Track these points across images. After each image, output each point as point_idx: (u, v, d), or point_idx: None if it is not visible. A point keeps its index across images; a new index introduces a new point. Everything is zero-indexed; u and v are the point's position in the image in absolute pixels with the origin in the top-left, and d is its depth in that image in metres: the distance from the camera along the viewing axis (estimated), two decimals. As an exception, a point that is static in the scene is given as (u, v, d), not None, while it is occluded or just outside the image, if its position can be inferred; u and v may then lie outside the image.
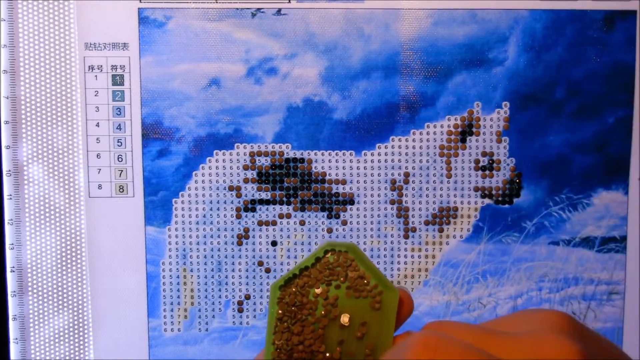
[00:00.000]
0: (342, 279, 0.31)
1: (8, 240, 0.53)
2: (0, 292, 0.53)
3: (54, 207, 0.53)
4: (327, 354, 0.31)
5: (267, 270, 0.55)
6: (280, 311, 0.31)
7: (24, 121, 0.52)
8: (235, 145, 0.54)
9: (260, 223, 0.55)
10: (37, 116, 0.52)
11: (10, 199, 0.53)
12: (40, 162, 0.53)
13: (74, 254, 0.54)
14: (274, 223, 0.55)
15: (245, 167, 0.54)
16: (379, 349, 0.31)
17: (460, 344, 0.24)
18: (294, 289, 0.31)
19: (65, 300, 0.54)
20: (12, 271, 0.53)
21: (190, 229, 0.55)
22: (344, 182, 0.55)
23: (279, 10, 0.53)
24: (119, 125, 0.53)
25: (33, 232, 0.53)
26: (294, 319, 0.31)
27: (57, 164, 0.53)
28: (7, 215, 0.53)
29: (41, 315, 0.54)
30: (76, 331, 0.54)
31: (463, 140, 0.55)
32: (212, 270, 0.55)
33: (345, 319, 0.31)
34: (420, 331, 0.25)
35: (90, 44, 0.52)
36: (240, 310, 0.56)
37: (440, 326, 0.26)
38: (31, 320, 0.54)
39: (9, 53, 0.52)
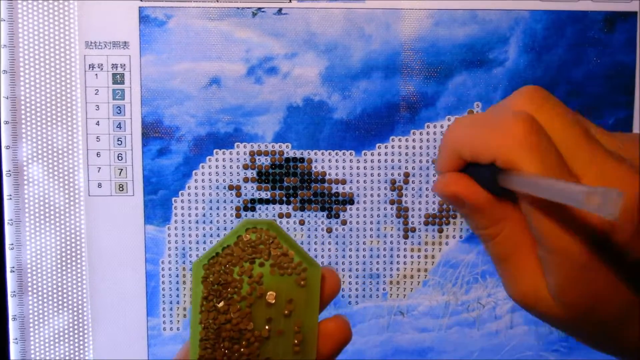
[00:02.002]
0: (265, 256, 0.31)
1: (8, 240, 0.53)
2: (0, 292, 0.53)
3: (53, 207, 0.53)
4: (256, 332, 0.31)
5: (267, 270, 0.55)
6: (205, 290, 0.31)
7: (24, 121, 0.52)
8: (235, 144, 0.54)
9: (260, 222, 0.55)
10: (37, 116, 0.52)
11: (10, 199, 0.53)
12: (40, 162, 0.53)
13: (73, 254, 0.54)
14: (274, 222, 0.55)
15: (245, 167, 0.54)
16: (306, 324, 0.31)
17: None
18: (217, 268, 0.31)
19: (65, 300, 0.54)
20: (12, 271, 0.53)
21: (189, 228, 0.55)
22: (343, 182, 0.55)
23: (280, 9, 0.53)
24: (119, 123, 0.53)
25: (33, 232, 0.53)
26: (220, 298, 0.31)
27: (57, 164, 0.53)
28: (7, 216, 0.53)
29: (41, 315, 0.54)
30: (76, 331, 0.54)
31: (463, 141, 0.54)
32: (212, 269, 0.55)
33: (271, 296, 0.31)
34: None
35: (91, 43, 0.52)
36: (240, 310, 0.56)
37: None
38: (31, 320, 0.54)
39: (9, 53, 0.51)
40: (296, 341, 0.31)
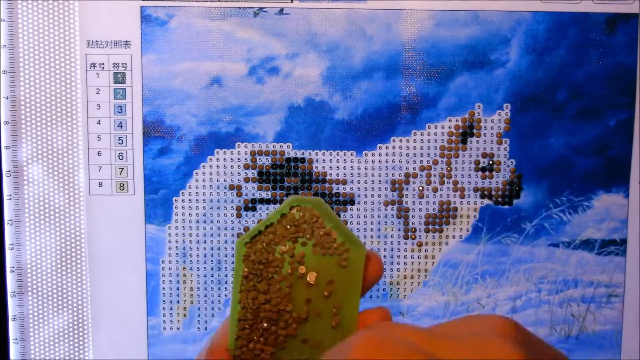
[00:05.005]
0: (308, 235, 0.30)
1: (8, 240, 0.53)
2: (0, 292, 0.53)
3: (53, 207, 0.53)
4: (294, 314, 0.30)
5: (267, 270, 0.55)
6: (246, 269, 0.30)
7: (23, 121, 0.52)
8: (236, 144, 0.54)
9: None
10: (37, 116, 0.52)
11: (10, 199, 0.52)
12: (40, 162, 0.52)
13: (74, 254, 0.54)
14: (274, 222, 0.55)
15: (246, 166, 0.54)
16: (346, 307, 0.30)
17: (403, 345, 0.23)
18: (259, 246, 0.30)
19: (65, 300, 0.54)
20: (12, 271, 0.53)
21: (190, 227, 0.55)
22: (344, 182, 0.55)
23: (282, 9, 0.53)
24: (120, 123, 0.53)
25: (33, 232, 0.53)
26: (260, 277, 0.30)
27: (57, 164, 0.53)
28: (7, 216, 0.52)
29: (41, 315, 0.54)
30: (76, 331, 0.54)
31: (464, 142, 0.55)
32: (212, 269, 0.55)
33: (311, 277, 0.30)
34: (364, 330, 0.25)
35: (92, 42, 0.52)
36: (240, 310, 0.56)
37: (387, 326, 0.26)
38: (31, 320, 0.54)
39: (9, 53, 0.51)
40: (334, 323, 0.30)
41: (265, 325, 0.30)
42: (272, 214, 0.31)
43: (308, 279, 0.30)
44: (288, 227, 0.30)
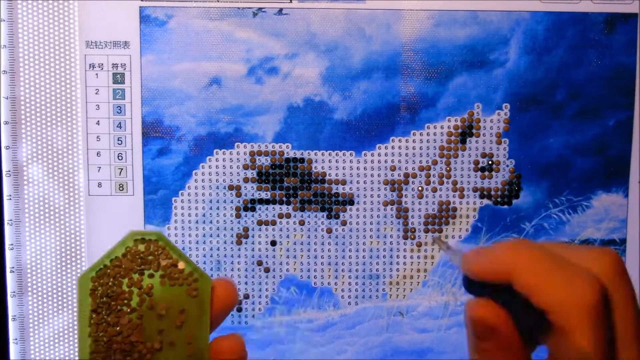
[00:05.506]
0: (154, 267, 0.31)
1: (8, 240, 0.53)
2: (0, 292, 0.53)
3: (53, 207, 0.53)
4: (148, 344, 0.30)
5: (267, 270, 0.55)
6: (93, 303, 0.31)
7: (23, 121, 0.52)
8: (236, 144, 0.54)
9: (259, 223, 0.55)
10: (37, 116, 0.52)
11: (10, 199, 0.52)
12: (40, 162, 0.52)
13: (73, 254, 0.54)
14: (274, 223, 0.55)
15: (245, 167, 0.54)
16: (198, 337, 0.31)
17: (543, 247, 0.28)
18: (106, 280, 0.31)
19: (64, 300, 0.54)
20: (11, 271, 0.53)
21: (189, 228, 0.55)
22: (343, 183, 0.55)
23: (281, 10, 0.53)
24: (119, 123, 0.53)
25: (33, 233, 0.53)
26: (109, 310, 0.30)
27: (57, 164, 0.53)
28: (6, 216, 0.53)
29: (41, 316, 0.54)
30: (76, 331, 0.54)
31: (463, 142, 0.55)
32: (212, 269, 0.55)
33: (161, 307, 0.31)
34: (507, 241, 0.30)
35: (92, 42, 0.52)
36: (239, 310, 0.56)
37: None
38: (31, 321, 0.54)
39: (9, 53, 0.51)
40: (190, 352, 0.31)
41: (118, 357, 0.30)
42: (114, 248, 0.31)
43: (158, 309, 0.31)
44: (134, 259, 0.31)
